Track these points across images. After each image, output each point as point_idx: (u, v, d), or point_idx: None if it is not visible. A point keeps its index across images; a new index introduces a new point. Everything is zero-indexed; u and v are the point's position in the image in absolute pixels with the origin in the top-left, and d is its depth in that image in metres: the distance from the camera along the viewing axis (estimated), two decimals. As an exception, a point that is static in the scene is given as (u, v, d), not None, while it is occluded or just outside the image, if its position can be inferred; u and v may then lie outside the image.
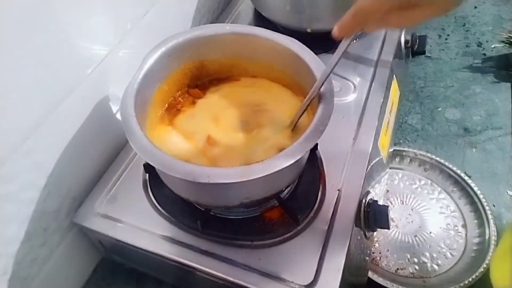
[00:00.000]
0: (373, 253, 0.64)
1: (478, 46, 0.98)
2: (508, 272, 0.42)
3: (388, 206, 0.50)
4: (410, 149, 0.76)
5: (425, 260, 0.64)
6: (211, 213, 0.48)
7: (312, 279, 0.43)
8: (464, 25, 1.04)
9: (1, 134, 0.39)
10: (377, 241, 0.66)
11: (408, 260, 0.64)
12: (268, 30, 0.49)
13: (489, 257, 0.62)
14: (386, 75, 0.63)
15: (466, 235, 0.67)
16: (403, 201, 0.71)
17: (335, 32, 0.35)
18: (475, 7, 1.08)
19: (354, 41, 0.35)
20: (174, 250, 0.46)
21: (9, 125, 0.40)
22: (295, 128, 0.46)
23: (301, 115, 0.44)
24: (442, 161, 0.74)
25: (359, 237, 0.49)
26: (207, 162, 0.44)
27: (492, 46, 0.95)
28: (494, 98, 0.87)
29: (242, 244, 0.46)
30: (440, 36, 1.02)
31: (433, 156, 0.74)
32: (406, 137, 0.81)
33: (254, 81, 0.52)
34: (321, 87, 0.42)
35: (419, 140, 0.80)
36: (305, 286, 0.42)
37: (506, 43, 0.94)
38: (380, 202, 0.51)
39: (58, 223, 0.50)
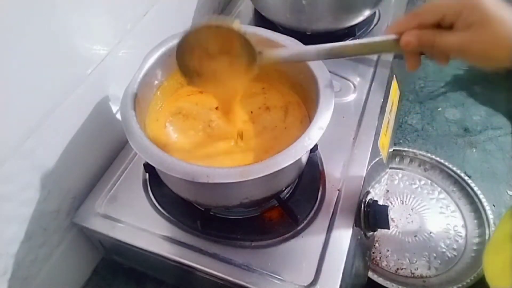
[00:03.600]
0: (373, 253, 0.64)
1: (478, 46, 0.98)
2: (503, 263, 0.41)
3: (388, 206, 0.50)
4: (410, 149, 0.76)
5: (425, 260, 0.64)
6: (211, 213, 0.48)
7: (312, 279, 0.43)
8: (464, 25, 1.04)
9: (1, 134, 0.39)
10: (377, 241, 0.66)
11: (408, 260, 0.64)
12: (268, 30, 0.49)
13: (489, 257, 0.62)
14: (386, 75, 0.63)
15: (466, 235, 0.67)
16: (403, 201, 0.71)
17: (390, 28, 0.36)
18: None
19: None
20: (174, 250, 0.46)
21: (9, 125, 0.40)
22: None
23: None
24: (442, 161, 0.74)
25: (359, 237, 0.49)
26: (207, 157, 0.44)
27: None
28: (494, 98, 0.87)
29: (242, 244, 0.46)
30: (440, 36, 1.02)
31: (433, 156, 0.74)
32: (406, 137, 0.81)
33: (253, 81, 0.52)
34: None
35: (419, 140, 0.80)
36: (305, 286, 0.42)
37: None
38: (380, 202, 0.51)
39: (58, 223, 0.51)
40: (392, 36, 0.35)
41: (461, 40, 0.33)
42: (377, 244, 0.66)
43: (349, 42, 0.38)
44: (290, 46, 0.46)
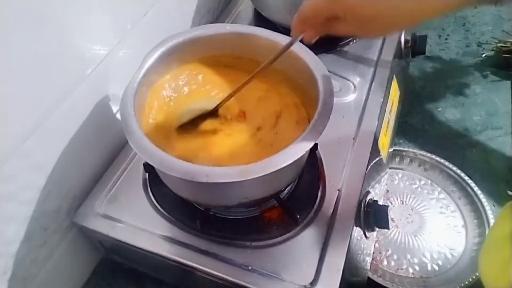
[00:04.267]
0: (373, 253, 0.64)
1: (478, 46, 0.98)
2: (502, 263, 0.41)
3: (388, 206, 0.50)
4: (410, 149, 0.76)
5: (425, 260, 0.64)
6: (211, 212, 0.48)
7: (312, 279, 0.43)
8: (464, 25, 1.04)
9: (1, 134, 0.39)
10: (377, 241, 0.66)
11: (408, 260, 0.64)
12: (268, 30, 0.49)
13: (489, 257, 0.62)
14: (386, 75, 0.63)
15: (466, 235, 0.67)
16: (403, 201, 0.71)
17: (291, 32, 0.40)
18: (475, 7, 1.08)
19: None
20: (174, 250, 0.46)
21: (10, 125, 0.40)
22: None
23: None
24: (442, 161, 0.74)
25: (359, 237, 0.49)
26: (207, 155, 0.44)
27: (491, 48, 0.95)
28: (494, 98, 0.87)
29: (242, 244, 0.46)
30: (440, 36, 1.02)
31: (433, 156, 0.74)
32: (406, 137, 0.81)
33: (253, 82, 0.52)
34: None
35: (419, 140, 0.80)
36: (305, 286, 0.42)
37: (497, 52, 0.94)
38: (380, 202, 0.51)
39: (58, 223, 0.51)
40: (299, 38, 0.40)
41: (351, 30, 0.37)
42: (377, 244, 0.66)
43: (270, 58, 0.42)
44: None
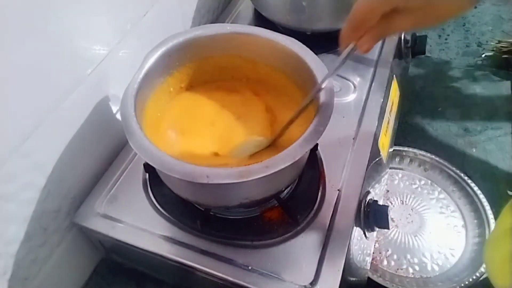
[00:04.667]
0: (373, 253, 0.64)
1: (478, 46, 0.99)
2: (502, 259, 0.41)
3: (388, 206, 0.50)
4: (410, 149, 0.76)
5: (425, 260, 0.64)
6: (211, 213, 0.48)
7: (312, 279, 0.43)
8: (464, 25, 1.04)
9: (1, 134, 0.39)
10: (377, 241, 0.66)
11: (408, 260, 0.64)
12: (268, 30, 0.49)
13: (489, 257, 0.62)
14: (386, 75, 0.63)
15: (466, 235, 0.67)
16: (403, 201, 0.71)
17: (340, 44, 0.36)
18: (475, 7, 1.08)
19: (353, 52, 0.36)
20: (174, 250, 0.46)
21: (9, 126, 0.40)
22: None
23: (288, 125, 0.43)
24: (442, 161, 0.74)
25: (359, 237, 0.49)
26: (206, 159, 0.44)
27: (491, 48, 0.95)
28: (494, 98, 0.87)
29: (242, 244, 0.46)
30: (440, 36, 1.02)
31: (433, 156, 0.74)
32: (406, 137, 0.81)
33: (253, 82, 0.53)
34: (309, 102, 0.41)
35: (419, 140, 0.80)
36: (305, 286, 0.42)
37: (497, 52, 0.94)
38: (380, 202, 0.51)
39: (58, 223, 0.51)
40: (351, 47, 0.35)
41: (414, 21, 0.32)
42: (377, 244, 0.66)
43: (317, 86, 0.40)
44: (291, 46, 0.46)
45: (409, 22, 0.32)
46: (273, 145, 0.45)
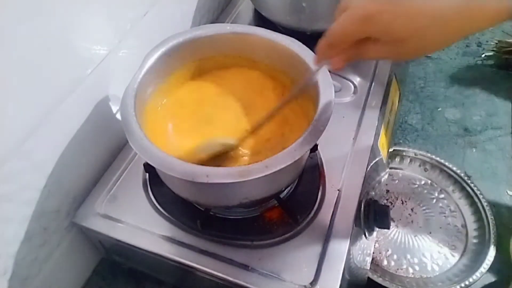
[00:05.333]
0: (373, 253, 0.64)
1: (478, 46, 0.99)
2: None
3: (388, 206, 0.50)
4: (410, 149, 0.76)
5: (425, 260, 0.64)
6: (211, 213, 0.48)
7: (312, 279, 0.43)
8: (464, 25, 1.04)
9: (1, 134, 0.39)
10: (377, 241, 0.66)
11: (408, 260, 0.64)
12: (268, 30, 0.49)
13: (489, 257, 0.62)
14: (386, 75, 0.63)
15: (466, 235, 0.67)
16: (403, 201, 0.71)
17: (314, 61, 0.37)
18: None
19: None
20: (174, 250, 0.46)
21: (9, 125, 0.40)
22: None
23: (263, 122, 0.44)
24: (442, 161, 0.74)
25: (359, 237, 0.49)
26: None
27: (491, 48, 0.95)
28: (494, 98, 0.87)
29: (242, 244, 0.46)
30: (440, 36, 1.02)
31: (433, 156, 0.74)
32: (406, 137, 0.81)
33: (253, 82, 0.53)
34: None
35: (419, 140, 0.80)
36: (305, 286, 0.42)
37: (497, 52, 0.94)
38: (380, 202, 0.51)
39: (58, 223, 0.51)
40: (324, 67, 0.37)
41: (387, 53, 0.32)
42: (377, 244, 0.66)
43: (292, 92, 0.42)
44: (291, 46, 0.46)
45: (381, 53, 0.32)
46: (252, 138, 0.46)
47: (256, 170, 0.35)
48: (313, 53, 0.46)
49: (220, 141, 0.45)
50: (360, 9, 0.30)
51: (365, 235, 0.51)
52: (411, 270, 0.63)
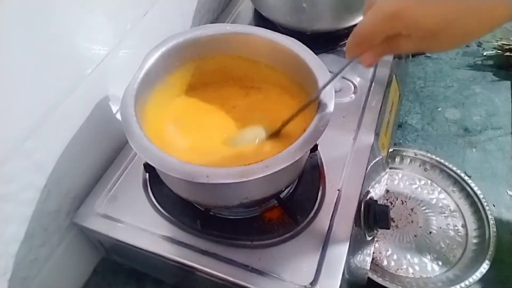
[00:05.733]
0: (373, 253, 0.64)
1: (478, 46, 0.99)
2: None
3: (388, 206, 0.50)
4: (410, 149, 0.76)
5: (425, 260, 0.64)
6: (211, 213, 0.48)
7: (312, 279, 0.43)
8: (464, 25, 1.04)
9: (1, 134, 0.39)
10: (377, 241, 0.66)
11: (408, 260, 0.64)
12: (268, 30, 0.49)
13: (489, 257, 0.62)
14: (386, 75, 0.63)
15: (466, 235, 0.67)
16: (403, 201, 0.71)
17: (346, 54, 0.36)
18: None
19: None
20: (174, 250, 0.46)
21: (9, 125, 0.40)
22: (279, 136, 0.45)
23: (286, 123, 0.44)
24: (442, 161, 0.74)
25: (359, 237, 0.49)
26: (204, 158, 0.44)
27: (493, 46, 0.95)
28: (494, 98, 0.87)
29: (242, 244, 0.46)
30: (440, 36, 1.02)
31: (433, 156, 0.74)
32: (406, 137, 0.81)
33: (253, 82, 0.53)
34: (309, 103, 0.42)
35: (419, 140, 0.80)
36: (305, 286, 0.42)
37: (498, 50, 0.94)
38: (380, 202, 0.51)
39: (58, 223, 0.51)
40: (356, 60, 0.36)
41: (417, 46, 0.32)
42: (377, 244, 0.66)
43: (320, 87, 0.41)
44: (291, 46, 0.46)
45: (412, 47, 0.32)
46: (273, 140, 0.45)
47: (256, 170, 0.35)
48: (313, 53, 0.46)
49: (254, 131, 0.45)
50: (387, 6, 0.30)
51: (365, 235, 0.51)
52: (411, 270, 0.63)
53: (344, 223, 0.47)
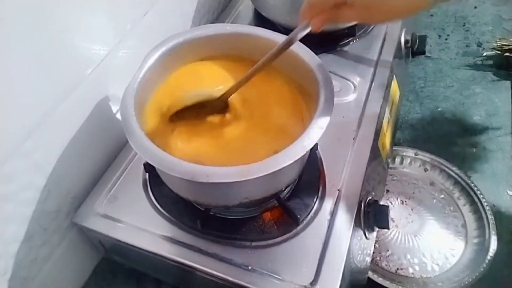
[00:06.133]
0: (373, 253, 0.64)
1: (478, 46, 0.98)
2: None
3: (388, 206, 0.50)
4: (410, 149, 0.76)
5: (425, 260, 0.64)
6: (211, 212, 0.48)
7: (312, 279, 0.43)
8: (464, 25, 1.04)
9: (1, 134, 0.39)
10: (377, 241, 0.66)
11: (408, 260, 0.64)
12: (268, 30, 0.49)
13: (489, 257, 0.62)
14: (386, 75, 0.63)
15: (466, 235, 0.67)
16: (403, 201, 0.71)
17: (299, 19, 0.41)
18: (475, 7, 1.08)
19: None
20: (174, 250, 0.46)
21: (9, 125, 0.40)
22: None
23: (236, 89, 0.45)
24: (442, 161, 0.74)
25: (359, 237, 0.49)
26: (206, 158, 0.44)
27: (492, 47, 0.95)
28: (494, 98, 0.87)
29: (242, 244, 0.46)
30: (440, 36, 1.02)
31: (433, 156, 0.74)
32: (406, 137, 0.81)
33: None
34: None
35: (419, 140, 0.80)
36: (305, 286, 0.42)
37: (498, 50, 0.94)
38: (380, 202, 0.51)
39: (58, 223, 0.51)
40: (307, 27, 0.41)
41: (359, 16, 0.38)
42: (377, 244, 0.66)
43: (278, 47, 0.43)
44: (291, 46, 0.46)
45: (354, 16, 0.38)
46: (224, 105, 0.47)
47: (256, 170, 0.35)
48: (313, 53, 0.46)
49: (207, 92, 0.47)
50: None
51: (365, 235, 0.51)
52: (411, 270, 0.63)
53: (344, 223, 0.47)
